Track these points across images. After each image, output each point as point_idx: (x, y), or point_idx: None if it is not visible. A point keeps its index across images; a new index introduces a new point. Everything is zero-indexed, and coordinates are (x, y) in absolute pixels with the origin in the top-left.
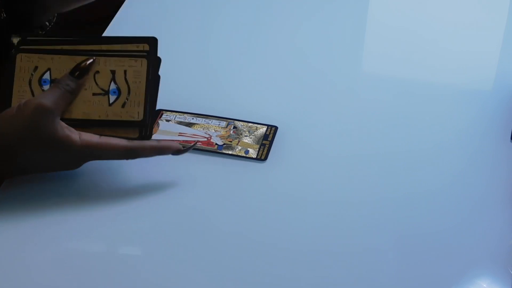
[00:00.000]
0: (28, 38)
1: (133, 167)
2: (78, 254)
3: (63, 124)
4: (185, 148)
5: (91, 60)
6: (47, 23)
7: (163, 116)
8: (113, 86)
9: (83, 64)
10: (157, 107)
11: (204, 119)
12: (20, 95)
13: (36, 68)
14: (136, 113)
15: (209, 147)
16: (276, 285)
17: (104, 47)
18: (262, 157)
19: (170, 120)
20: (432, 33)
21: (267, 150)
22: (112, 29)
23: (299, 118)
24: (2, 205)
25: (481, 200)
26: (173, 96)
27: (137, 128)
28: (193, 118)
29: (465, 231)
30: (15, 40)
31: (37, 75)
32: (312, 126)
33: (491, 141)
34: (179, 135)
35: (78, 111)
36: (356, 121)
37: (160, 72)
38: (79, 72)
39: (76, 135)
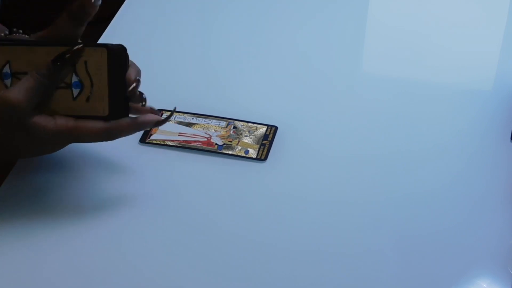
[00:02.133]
0: None
1: (133, 167)
2: (78, 254)
3: (36, 114)
4: (165, 118)
5: (79, 46)
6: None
7: (163, 116)
8: (75, 78)
9: (69, 51)
10: (157, 107)
11: (204, 119)
12: None
13: None
14: (101, 108)
15: (209, 147)
16: (276, 285)
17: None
18: (262, 157)
19: (170, 120)
20: (432, 33)
21: (267, 150)
22: (112, 29)
23: (299, 118)
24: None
25: (481, 200)
26: (173, 96)
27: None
28: (193, 118)
29: (465, 231)
30: None
31: None
32: (312, 126)
33: (491, 141)
34: (179, 135)
35: (45, 107)
36: (356, 121)
37: (160, 72)
38: (62, 62)
39: (51, 122)
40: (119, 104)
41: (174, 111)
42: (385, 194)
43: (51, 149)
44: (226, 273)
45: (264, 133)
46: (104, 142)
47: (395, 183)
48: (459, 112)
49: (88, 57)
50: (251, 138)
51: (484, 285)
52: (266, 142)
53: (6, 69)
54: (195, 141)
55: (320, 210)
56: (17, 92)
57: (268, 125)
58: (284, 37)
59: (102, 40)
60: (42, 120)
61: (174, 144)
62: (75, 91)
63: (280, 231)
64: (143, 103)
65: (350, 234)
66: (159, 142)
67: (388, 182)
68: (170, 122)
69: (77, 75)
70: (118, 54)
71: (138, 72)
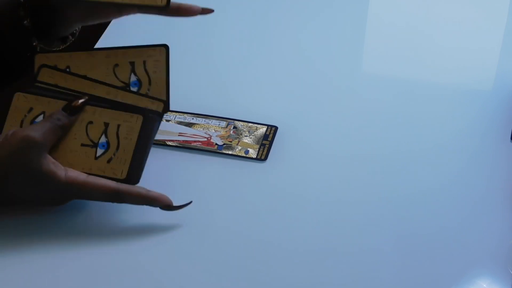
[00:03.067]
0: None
1: None
2: (78, 254)
3: (50, 158)
4: (176, 206)
5: (83, 100)
6: (70, 37)
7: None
8: (103, 139)
9: (75, 102)
10: None
11: (204, 119)
12: None
13: (31, 109)
14: (120, 171)
15: (209, 147)
16: (276, 285)
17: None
18: (262, 157)
19: (170, 120)
20: (432, 33)
21: (267, 150)
22: (112, 29)
23: (299, 118)
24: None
25: (481, 200)
26: (173, 96)
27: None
28: (193, 118)
29: (465, 231)
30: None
31: (30, 117)
32: (312, 126)
33: (491, 141)
34: (179, 135)
35: (63, 160)
36: (356, 121)
37: None
38: (71, 110)
39: (62, 172)
40: (138, 169)
41: (188, 204)
42: (385, 194)
43: (57, 200)
44: (226, 273)
45: (264, 133)
46: None
47: (395, 183)
48: (459, 112)
49: (123, 121)
50: (251, 138)
51: (484, 285)
52: (266, 142)
53: (39, 118)
54: (195, 141)
55: (320, 209)
56: (36, 130)
57: (268, 125)
58: (284, 37)
59: (102, 39)
60: (54, 167)
61: (174, 144)
62: (99, 151)
63: (280, 231)
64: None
65: (350, 233)
66: (159, 142)
67: (388, 182)
68: (170, 122)
69: (106, 137)
70: (152, 121)
71: None
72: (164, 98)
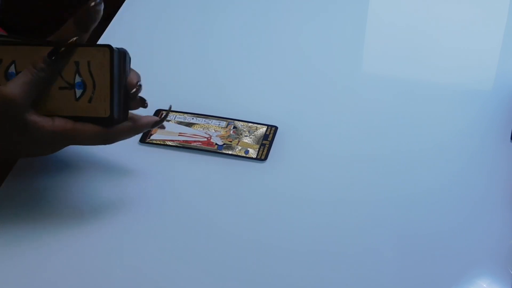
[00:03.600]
0: None
1: (133, 168)
2: (77, 254)
3: (33, 112)
4: (162, 117)
5: (72, 39)
6: None
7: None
8: (78, 79)
9: (64, 45)
10: (157, 107)
11: (204, 119)
12: None
13: (0, 61)
14: (103, 109)
15: (209, 147)
16: (276, 285)
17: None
18: (262, 157)
19: (170, 120)
20: (432, 33)
21: (267, 150)
22: (112, 29)
23: (299, 118)
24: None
25: (481, 200)
26: (173, 96)
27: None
28: (193, 118)
29: (465, 231)
30: None
31: (2, 69)
32: (312, 126)
33: (491, 141)
34: (179, 135)
35: (43, 107)
36: (356, 121)
37: (160, 72)
38: (57, 56)
39: (49, 122)
40: (120, 105)
41: (169, 110)
42: (385, 194)
43: (49, 150)
44: (226, 273)
45: (264, 133)
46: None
47: (395, 183)
48: (459, 112)
49: (91, 57)
50: (251, 138)
51: (484, 285)
52: (266, 142)
53: (12, 69)
54: (195, 141)
55: (320, 210)
56: (13, 86)
57: (268, 125)
58: (284, 37)
59: (102, 40)
60: (40, 120)
61: (174, 144)
62: (78, 92)
63: (280, 231)
64: (145, 107)
65: (350, 234)
66: (159, 142)
67: (388, 182)
68: (170, 122)
69: (80, 76)
70: (120, 54)
71: (139, 77)
72: (107, 106)
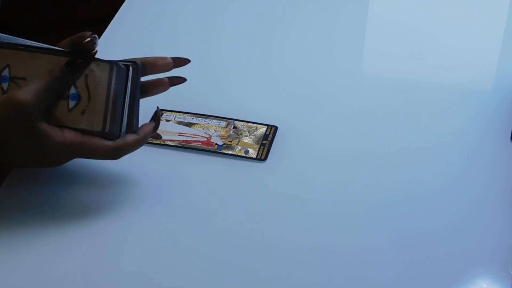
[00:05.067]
0: None
1: (133, 167)
2: (77, 253)
3: (44, 121)
4: (156, 122)
5: (92, 52)
6: None
7: (163, 116)
8: (73, 90)
9: (82, 57)
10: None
11: (204, 119)
12: None
13: None
14: (95, 122)
15: (209, 147)
16: (276, 285)
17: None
18: (262, 157)
19: (170, 120)
20: (432, 33)
21: (267, 150)
22: (112, 29)
23: (299, 118)
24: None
25: (481, 200)
26: (173, 96)
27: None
28: (193, 118)
29: (465, 231)
30: None
31: None
32: (312, 126)
33: (491, 141)
34: (179, 135)
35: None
36: (356, 121)
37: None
38: (74, 67)
39: (58, 133)
40: (116, 120)
41: (157, 110)
42: (385, 194)
43: (55, 161)
44: (226, 272)
45: (264, 133)
46: None
47: (395, 182)
48: (459, 112)
49: (89, 71)
50: (251, 138)
51: (484, 285)
52: (266, 142)
53: (5, 72)
54: (195, 141)
55: (320, 209)
56: (26, 92)
57: (268, 125)
58: (284, 37)
59: (102, 40)
60: (50, 130)
61: (174, 144)
62: (71, 103)
63: (280, 231)
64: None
65: (350, 233)
66: (159, 142)
67: (388, 182)
68: (170, 122)
69: (75, 87)
70: (122, 71)
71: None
72: (100, 120)
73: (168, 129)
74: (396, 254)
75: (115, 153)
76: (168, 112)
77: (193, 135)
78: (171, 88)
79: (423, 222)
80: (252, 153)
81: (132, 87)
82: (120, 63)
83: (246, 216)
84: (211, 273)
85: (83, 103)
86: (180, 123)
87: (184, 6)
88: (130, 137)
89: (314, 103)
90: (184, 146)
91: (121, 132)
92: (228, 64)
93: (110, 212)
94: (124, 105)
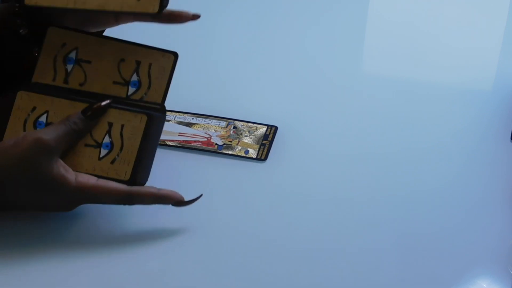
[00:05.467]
0: (33, 82)
1: None
2: (78, 253)
3: (60, 163)
4: (188, 201)
5: (107, 102)
6: None
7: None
8: (107, 139)
9: (97, 104)
10: None
11: (204, 119)
12: (13, 134)
13: (34, 108)
14: (123, 172)
15: (209, 147)
16: (276, 284)
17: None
18: (262, 157)
19: (170, 120)
20: (432, 33)
21: (267, 150)
22: (112, 29)
23: (299, 118)
24: None
25: (481, 200)
26: (173, 96)
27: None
28: (193, 118)
29: (465, 231)
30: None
31: (33, 116)
32: (312, 126)
33: (491, 141)
34: (179, 135)
35: (65, 161)
36: (356, 121)
37: None
38: (91, 113)
39: (73, 176)
40: (144, 171)
41: (199, 197)
42: (385, 194)
43: (65, 206)
44: (227, 272)
45: (264, 133)
46: None
47: (395, 182)
48: (459, 112)
49: (126, 121)
50: (251, 138)
51: (484, 285)
52: (266, 142)
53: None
54: (195, 141)
55: (320, 209)
56: (48, 132)
57: (268, 125)
58: (284, 37)
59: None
60: (65, 172)
61: (174, 144)
62: (103, 151)
63: (280, 231)
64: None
65: (350, 233)
66: (159, 142)
67: (388, 182)
68: (170, 122)
69: (110, 137)
70: (157, 121)
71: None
72: (129, 169)
73: (168, 129)
74: (396, 254)
75: (129, 199)
76: (168, 112)
77: (193, 135)
78: (171, 88)
79: (423, 222)
80: (252, 153)
81: (159, 133)
82: (155, 113)
83: (246, 216)
84: (211, 273)
85: (114, 152)
86: (180, 123)
87: (184, 6)
88: (147, 189)
89: (314, 103)
90: (184, 146)
91: (146, 181)
92: (228, 64)
93: (110, 212)
94: (154, 153)
